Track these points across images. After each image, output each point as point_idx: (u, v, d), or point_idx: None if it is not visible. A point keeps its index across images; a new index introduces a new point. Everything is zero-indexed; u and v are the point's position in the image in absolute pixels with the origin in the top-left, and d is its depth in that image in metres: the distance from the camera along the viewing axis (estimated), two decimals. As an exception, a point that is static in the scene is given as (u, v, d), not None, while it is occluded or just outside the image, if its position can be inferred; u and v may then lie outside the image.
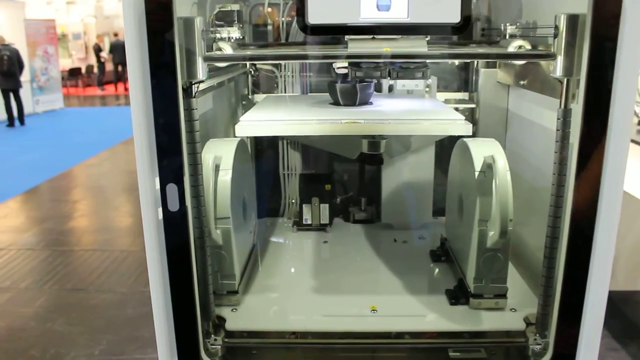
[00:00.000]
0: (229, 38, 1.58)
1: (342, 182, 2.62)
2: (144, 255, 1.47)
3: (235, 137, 1.92)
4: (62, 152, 8.99)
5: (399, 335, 1.67)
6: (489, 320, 1.71)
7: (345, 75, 2.01)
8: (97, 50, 18.10)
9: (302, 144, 2.53)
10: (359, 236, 2.41)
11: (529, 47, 1.61)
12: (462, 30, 1.38)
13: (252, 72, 2.49)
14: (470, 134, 1.80)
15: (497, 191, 1.64)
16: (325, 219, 2.44)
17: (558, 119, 1.41)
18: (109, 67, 18.00)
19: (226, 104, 2.31)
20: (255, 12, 2.44)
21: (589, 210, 1.39)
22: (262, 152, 2.61)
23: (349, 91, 2.07)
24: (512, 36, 1.64)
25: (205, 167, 1.61)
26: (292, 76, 2.45)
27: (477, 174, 1.73)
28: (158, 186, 1.40)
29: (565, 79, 1.38)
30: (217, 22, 1.81)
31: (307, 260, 2.21)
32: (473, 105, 2.39)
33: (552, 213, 1.47)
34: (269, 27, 2.42)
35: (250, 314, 1.76)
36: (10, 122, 11.19)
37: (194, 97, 1.41)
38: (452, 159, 2.11)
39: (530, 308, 1.68)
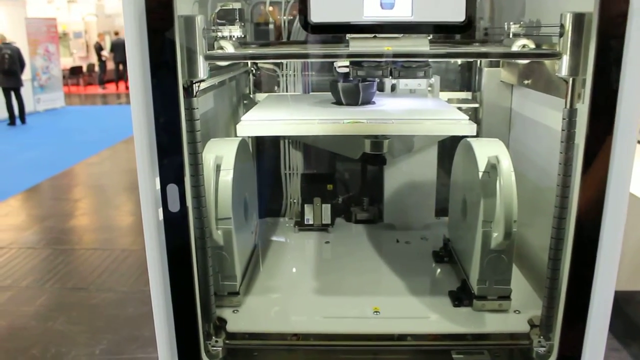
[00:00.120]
0: (230, 37, 1.56)
1: (344, 182, 2.61)
2: (144, 254, 1.46)
3: (236, 136, 1.90)
4: (63, 151, 8.98)
5: (402, 337, 1.65)
6: (493, 322, 1.69)
7: (347, 75, 1.99)
8: (98, 49, 18.10)
9: (304, 144, 2.52)
10: (361, 236, 2.39)
11: (532, 46, 1.60)
12: (467, 29, 1.36)
13: (254, 71, 2.48)
14: (475, 134, 1.79)
15: (502, 192, 1.62)
16: (327, 219, 2.43)
17: (563, 119, 1.40)
18: (110, 65, 18.01)
19: (227, 103, 2.30)
20: (256, 10, 2.43)
21: (594, 211, 1.37)
22: (264, 151, 2.59)
23: (352, 90, 2.06)
24: (516, 35, 1.63)
25: (206, 167, 1.59)
26: (294, 75, 2.44)
27: (481, 174, 1.71)
28: (158, 186, 1.38)
29: (571, 79, 1.37)
30: (218, 21, 1.79)
31: (308, 260, 2.20)
32: (476, 105, 2.37)
33: (557, 214, 1.45)
34: (271, 26, 2.41)
35: (252, 315, 1.75)
36: (12, 120, 11.19)
37: (195, 96, 1.40)
38: (455, 159, 2.10)
39: (534, 310, 1.66)
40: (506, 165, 1.63)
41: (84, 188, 7.15)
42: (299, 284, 1.97)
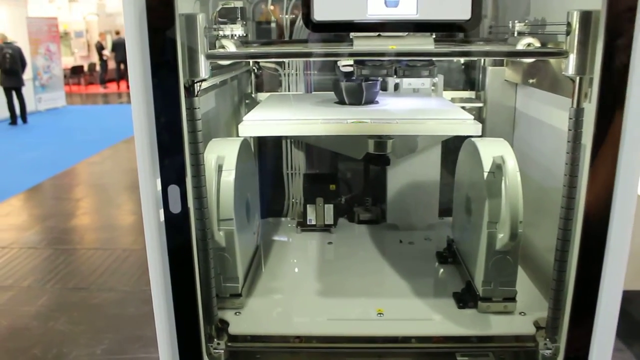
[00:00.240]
0: (232, 35, 1.55)
1: (347, 182, 2.60)
2: (146, 254, 1.44)
3: (238, 136, 1.89)
4: (65, 150, 8.98)
5: (406, 339, 1.64)
6: (498, 324, 1.67)
7: (350, 74, 1.98)
8: (100, 48, 18.11)
9: (306, 144, 2.50)
10: (364, 237, 2.37)
11: (538, 44, 1.58)
12: (473, 27, 1.35)
13: (256, 71, 2.47)
14: (480, 134, 1.77)
15: (507, 192, 1.60)
16: (329, 220, 2.41)
17: (570, 118, 1.38)
18: (112, 65, 18.02)
19: (229, 103, 2.28)
20: (258, 9, 2.41)
21: (602, 212, 1.36)
22: (266, 151, 2.58)
23: (355, 90, 2.04)
24: (521, 33, 1.61)
25: (208, 168, 1.58)
26: (296, 74, 2.42)
27: (486, 174, 1.69)
28: (159, 187, 1.37)
29: (578, 78, 1.35)
30: (220, 19, 1.78)
31: (311, 261, 2.18)
32: (480, 104, 2.35)
33: (563, 214, 1.43)
34: (273, 25, 2.39)
35: (254, 317, 1.73)
36: (13, 120, 11.19)
37: (196, 95, 1.38)
38: (459, 158, 2.08)
39: (540, 312, 1.65)
40: (512, 165, 1.61)
41: (85, 187, 7.14)
42: (302, 286, 1.95)
